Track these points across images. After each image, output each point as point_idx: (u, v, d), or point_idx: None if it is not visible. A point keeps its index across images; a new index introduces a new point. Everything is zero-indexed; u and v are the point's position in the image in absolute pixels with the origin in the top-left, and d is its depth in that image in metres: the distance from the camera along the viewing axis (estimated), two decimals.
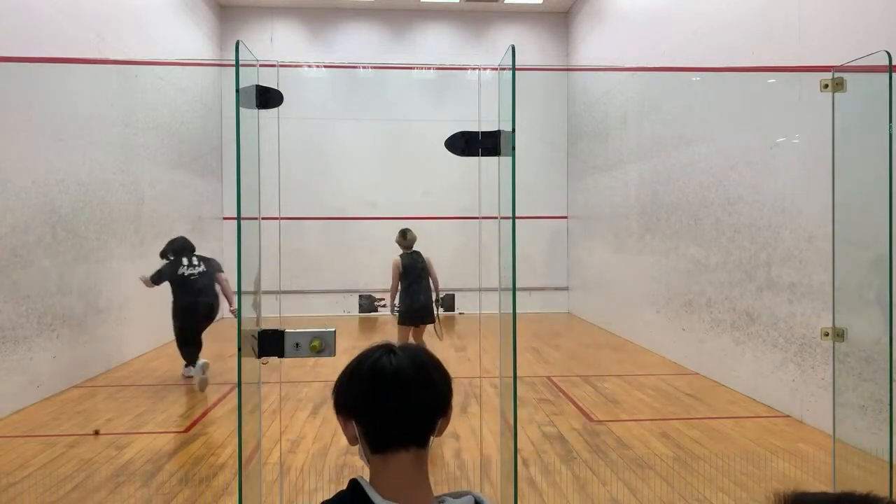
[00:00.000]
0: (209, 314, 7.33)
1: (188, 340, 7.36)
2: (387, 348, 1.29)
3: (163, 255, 7.56)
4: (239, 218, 2.32)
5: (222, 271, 7.55)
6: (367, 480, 1.23)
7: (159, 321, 9.61)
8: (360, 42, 13.54)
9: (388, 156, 13.40)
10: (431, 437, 1.27)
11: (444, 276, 13.78)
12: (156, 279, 7.34)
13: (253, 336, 2.42)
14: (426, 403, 1.25)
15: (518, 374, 2.65)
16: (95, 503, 4.11)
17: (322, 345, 2.41)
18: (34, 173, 6.59)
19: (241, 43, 2.28)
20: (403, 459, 1.22)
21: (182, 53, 11.01)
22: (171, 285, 7.31)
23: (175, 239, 7.69)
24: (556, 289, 13.84)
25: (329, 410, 5.66)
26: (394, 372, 1.24)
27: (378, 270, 13.44)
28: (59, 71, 7.22)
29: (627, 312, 10.31)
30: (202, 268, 7.38)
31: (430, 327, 6.98)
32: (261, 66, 2.46)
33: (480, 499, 1.27)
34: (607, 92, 11.41)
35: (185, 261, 7.38)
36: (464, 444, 5.23)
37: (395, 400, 1.23)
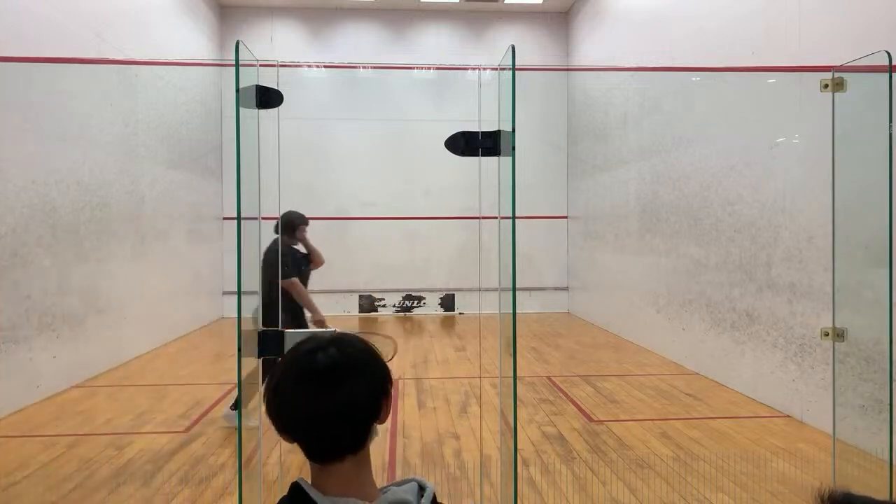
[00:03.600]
0: None
1: None
2: (307, 358, 1.20)
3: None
4: (239, 218, 2.33)
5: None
6: (309, 482, 1.23)
7: (159, 321, 9.64)
8: (360, 42, 13.54)
9: (388, 156, 13.40)
10: (370, 438, 1.23)
11: (445, 275, 13.83)
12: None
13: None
14: (354, 415, 1.19)
15: (518, 374, 2.65)
16: (95, 503, 4.11)
17: None
18: (34, 173, 6.59)
19: (241, 43, 2.29)
20: (341, 468, 1.21)
21: (182, 53, 11.01)
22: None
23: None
24: (556, 289, 13.84)
25: None
26: (314, 386, 1.17)
27: (378, 270, 13.49)
28: (59, 71, 7.22)
29: (627, 312, 10.31)
30: None
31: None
32: (261, 66, 2.46)
33: (424, 484, 1.28)
34: (607, 92, 11.41)
35: None
36: (464, 444, 5.23)
37: (317, 420, 1.17)
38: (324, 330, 2.45)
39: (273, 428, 1.25)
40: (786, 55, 6.01)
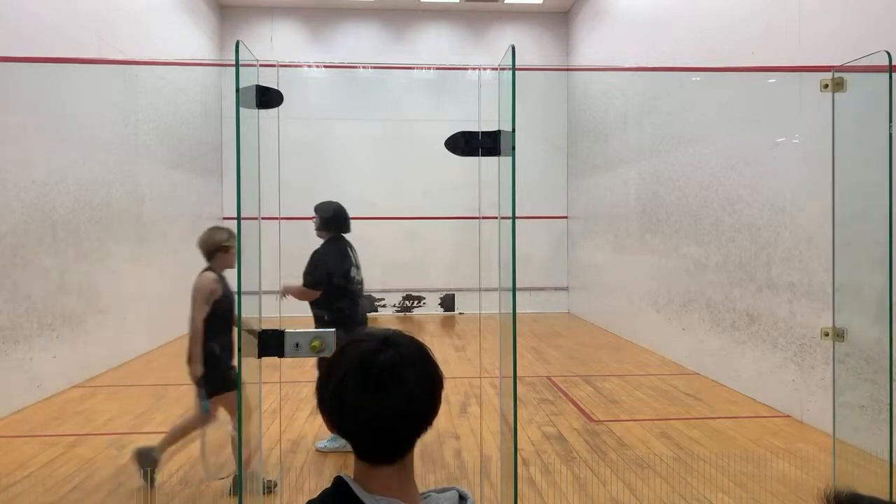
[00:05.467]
0: None
1: None
2: (372, 358, 1.18)
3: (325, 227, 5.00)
4: (239, 218, 2.33)
5: None
6: (352, 477, 1.22)
7: (159, 321, 9.63)
8: (360, 42, 13.54)
9: (388, 156, 13.40)
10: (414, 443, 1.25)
11: (445, 275, 13.83)
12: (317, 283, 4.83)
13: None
14: (414, 423, 1.20)
15: (518, 374, 2.65)
16: (95, 503, 4.11)
17: (322, 345, 2.41)
18: (34, 173, 6.59)
19: (241, 43, 2.28)
20: (389, 471, 1.21)
21: (182, 53, 11.01)
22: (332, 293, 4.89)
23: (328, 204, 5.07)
24: (556, 289, 13.83)
25: None
26: (382, 388, 1.16)
27: (378, 270, 13.46)
28: (59, 71, 7.21)
29: (627, 312, 10.30)
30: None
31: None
32: (261, 66, 2.46)
33: (464, 493, 1.28)
34: (607, 92, 11.41)
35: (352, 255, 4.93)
36: (464, 444, 5.23)
37: (380, 424, 1.17)
38: (325, 330, 2.44)
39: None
40: (786, 55, 6.01)
